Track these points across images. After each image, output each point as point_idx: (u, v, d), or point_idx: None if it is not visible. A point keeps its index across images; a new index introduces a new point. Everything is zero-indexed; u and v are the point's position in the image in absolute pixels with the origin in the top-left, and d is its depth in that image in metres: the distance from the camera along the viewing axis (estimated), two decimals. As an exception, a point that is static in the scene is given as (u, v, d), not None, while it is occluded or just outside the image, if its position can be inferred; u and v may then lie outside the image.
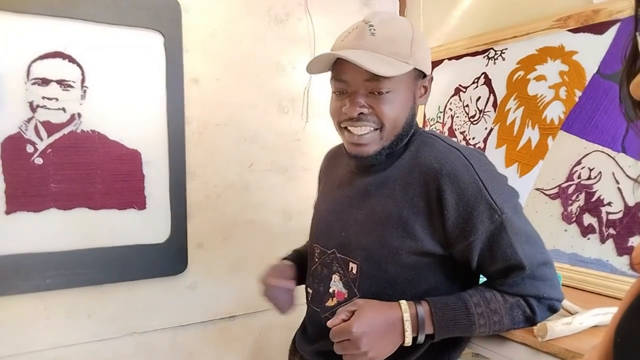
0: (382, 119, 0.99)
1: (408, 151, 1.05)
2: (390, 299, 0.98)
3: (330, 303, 1.08)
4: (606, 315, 1.04)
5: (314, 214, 1.25)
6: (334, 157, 1.31)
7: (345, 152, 1.11)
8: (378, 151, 1.02)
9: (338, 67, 1.01)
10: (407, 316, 0.94)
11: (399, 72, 0.95)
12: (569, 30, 1.45)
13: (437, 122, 1.94)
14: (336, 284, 1.07)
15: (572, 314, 1.07)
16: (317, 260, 1.15)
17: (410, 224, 0.98)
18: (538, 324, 0.98)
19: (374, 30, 0.96)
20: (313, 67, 1.03)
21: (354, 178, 1.12)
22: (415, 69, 1.00)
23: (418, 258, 0.99)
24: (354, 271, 1.03)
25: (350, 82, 0.99)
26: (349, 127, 1.02)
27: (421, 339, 0.95)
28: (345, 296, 1.05)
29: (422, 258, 0.99)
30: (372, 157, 1.02)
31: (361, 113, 0.98)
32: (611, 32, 1.35)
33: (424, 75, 1.05)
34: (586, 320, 1.01)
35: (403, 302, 0.96)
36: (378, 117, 0.99)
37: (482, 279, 1.09)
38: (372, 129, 1.00)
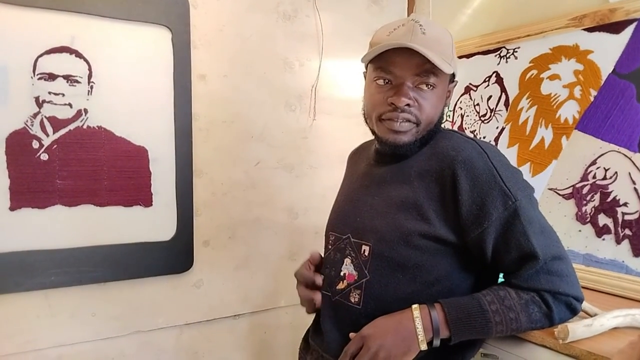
0: (422, 114, 1.03)
1: (428, 145, 1.08)
2: (399, 283, 1.02)
3: (341, 286, 1.10)
4: (626, 317, 1.03)
5: (332, 207, 1.27)
6: (355, 154, 1.34)
7: (366, 146, 1.18)
8: (412, 142, 1.06)
9: (386, 58, 1.03)
10: (417, 313, 0.96)
11: (449, 70, 1.01)
12: (584, 29, 1.44)
13: (446, 120, 1.93)
14: (347, 267, 1.09)
15: (591, 315, 1.05)
16: (330, 247, 1.17)
17: (425, 208, 1.01)
18: (559, 326, 0.96)
19: (424, 29, 1.01)
20: (367, 57, 1.05)
21: (371, 170, 1.17)
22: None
23: (430, 243, 1.00)
24: (366, 253, 1.06)
25: (399, 74, 1.02)
26: (391, 119, 1.04)
27: (437, 342, 0.96)
28: (356, 277, 1.07)
29: (434, 244, 1.01)
30: (407, 145, 1.06)
31: (407, 104, 1.01)
32: (628, 32, 1.34)
33: (452, 80, 1.11)
34: (607, 322, 1.00)
35: (414, 305, 0.98)
36: (419, 111, 1.03)
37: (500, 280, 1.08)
38: (411, 122, 1.04)
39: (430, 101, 1.03)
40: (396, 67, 1.02)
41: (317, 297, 1.15)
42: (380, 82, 1.05)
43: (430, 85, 1.02)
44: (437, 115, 1.06)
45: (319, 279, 1.16)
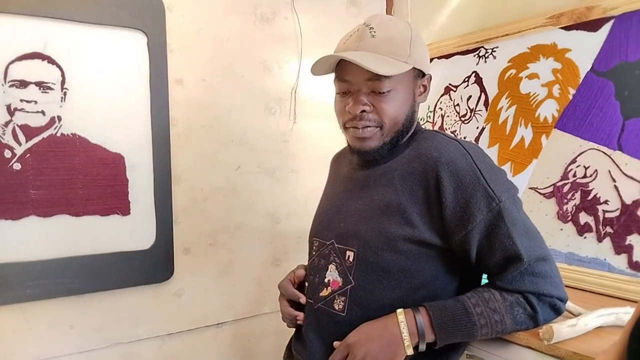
0: (383, 117, 1.03)
1: (410, 147, 1.07)
2: (385, 289, 1.01)
3: (324, 293, 1.08)
4: (610, 315, 1.02)
5: (315, 212, 1.26)
6: (338, 159, 1.33)
7: (348, 151, 1.18)
8: (380, 146, 1.06)
9: (341, 68, 1.05)
10: (402, 318, 0.95)
11: (398, 71, 0.99)
12: (562, 28, 1.44)
13: (427, 121, 1.93)
14: (332, 274, 1.08)
15: (575, 315, 1.05)
16: (314, 253, 1.16)
17: (409, 212, 0.99)
18: (543, 327, 0.96)
19: (374, 32, 1.01)
20: (317, 69, 1.07)
21: (354, 173, 1.16)
22: (414, 68, 1.04)
23: (415, 247, 0.99)
24: (351, 259, 1.04)
25: (353, 82, 1.03)
26: (353, 127, 1.05)
27: (422, 347, 0.95)
28: (340, 284, 1.05)
29: (419, 247, 1.00)
30: (375, 150, 1.06)
31: (363, 111, 1.02)
32: (605, 29, 1.34)
33: (423, 75, 1.09)
34: (591, 322, 1.00)
35: (399, 309, 0.97)
36: (379, 115, 1.03)
37: (484, 282, 1.08)
38: (373, 126, 1.04)
39: (389, 103, 1.02)
40: (349, 75, 1.03)
41: (300, 316, 1.14)
42: (341, 92, 1.08)
43: (387, 89, 1.01)
44: (402, 115, 1.05)
45: (303, 299, 1.14)
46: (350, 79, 1.03)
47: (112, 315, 1.54)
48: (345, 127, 1.09)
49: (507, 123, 1.59)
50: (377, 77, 0.99)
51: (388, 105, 1.02)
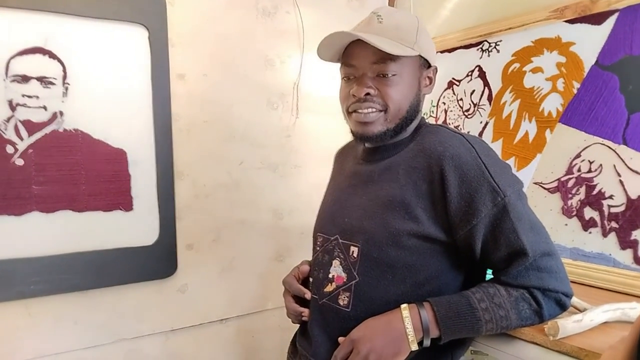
0: (387, 101, 1.02)
1: (414, 141, 1.07)
2: (389, 284, 1.01)
3: (329, 288, 1.08)
4: (616, 311, 1.02)
5: (319, 207, 1.26)
6: (342, 153, 1.33)
7: (352, 145, 1.20)
8: (383, 131, 1.05)
9: (347, 54, 1.05)
10: (406, 313, 0.95)
11: (404, 53, 0.99)
12: (566, 21, 1.43)
13: (430, 116, 1.92)
14: (336, 269, 1.08)
15: (581, 310, 1.05)
16: (319, 248, 1.15)
17: (413, 207, 0.99)
18: (549, 322, 0.96)
19: (382, 19, 1.02)
20: (323, 51, 1.07)
21: (359, 168, 1.15)
22: (420, 57, 1.05)
23: (419, 242, 0.99)
24: (355, 255, 1.04)
25: (358, 65, 1.03)
26: (356, 110, 1.05)
27: (427, 342, 0.95)
28: (344, 280, 1.05)
29: (424, 242, 0.99)
30: (378, 136, 1.05)
31: (368, 94, 1.02)
32: (609, 22, 1.33)
33: (429, 66, 1.09)
34: (597, 317, 0.99)
35: (403, 304, 0.97)
36: (383, 99, 1.02)
37: (489, 277, 1.07)
38: (377, 110, 1.03)
39: (394, 88, 1.02)
40: (354, 59, 1.04)
41: (305, 312, 1.14)
42: (346, 77, 1.08)
43: (392, 72, 1.01)
44: (406, 102, 1.05)
45: (308, 295, 1.14)
46: (356, 63, 1.03)
47: (116, 311, 1.53)
48: (348, 112, 1.08)
49: (510, 117, 1.58)
50: (383, 61, 1.00)
51: (393, 89, 1.02)
